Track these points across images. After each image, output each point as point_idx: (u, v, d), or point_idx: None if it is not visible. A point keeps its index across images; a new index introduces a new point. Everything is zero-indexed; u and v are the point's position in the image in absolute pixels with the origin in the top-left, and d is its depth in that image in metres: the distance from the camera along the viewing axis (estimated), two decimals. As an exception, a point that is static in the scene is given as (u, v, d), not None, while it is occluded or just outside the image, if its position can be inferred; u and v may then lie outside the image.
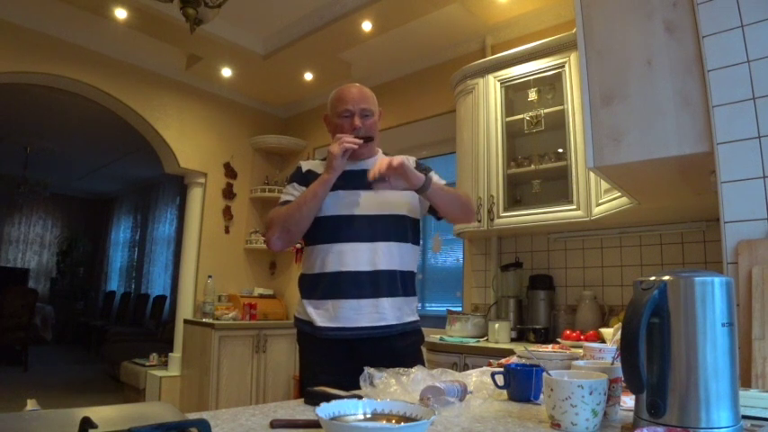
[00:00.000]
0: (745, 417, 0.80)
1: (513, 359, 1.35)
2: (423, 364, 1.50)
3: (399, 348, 1.56)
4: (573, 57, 2.61)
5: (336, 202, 1.57)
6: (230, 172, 4.58)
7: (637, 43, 1.52)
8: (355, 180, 1.60)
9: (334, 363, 1.52)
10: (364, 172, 1.59)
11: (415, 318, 1.64)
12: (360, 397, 0.87)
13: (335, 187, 1.56)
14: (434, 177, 1.61)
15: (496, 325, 2.69)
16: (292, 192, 1.63)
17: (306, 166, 1.69)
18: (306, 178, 1.64)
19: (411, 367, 1.11)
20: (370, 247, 1.54)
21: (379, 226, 1.57)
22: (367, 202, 1.58)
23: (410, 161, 1.67)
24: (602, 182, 2.24)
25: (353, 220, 1.56)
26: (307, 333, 1.59)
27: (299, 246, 3.45)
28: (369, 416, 0.77)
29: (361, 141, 1.56)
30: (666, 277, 0.77)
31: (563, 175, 2.65)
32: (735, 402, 0.73)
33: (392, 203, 1.61)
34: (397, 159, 1.42)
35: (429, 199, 1.55)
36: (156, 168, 5.09)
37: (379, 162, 1.44)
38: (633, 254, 2.64)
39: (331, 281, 1.55)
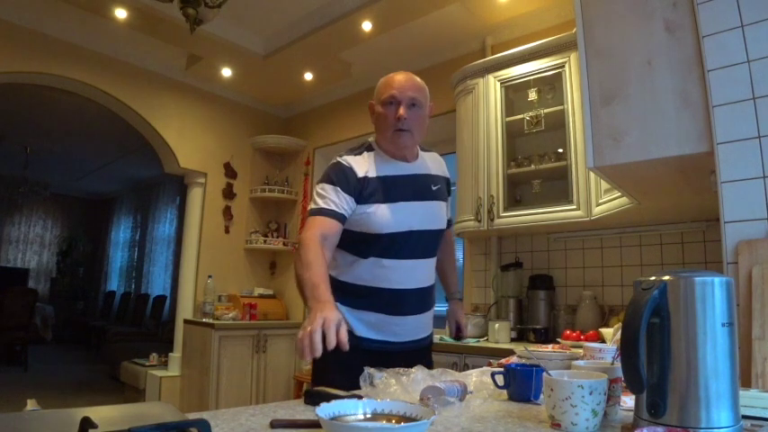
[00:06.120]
0: (745, 417, 0.80)
1: (513, 359, 1.35)
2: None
3: (423, 355, 1.61)
4: (573, 57, 2.61)
5: (393, 216, 1.46)
6: (230, 172, 4.58)
7: (637, 43, 1.52)
8: (406, 189, 1.51)
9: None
10: (414, 177, 1.55)
11: (432, 326, 1.70)
12: (360, 397, 0.87)
13: (391, 198, 1.46)
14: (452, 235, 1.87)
15: (496, 325, 2.69)
16: (334, 199, 1.42)
17: (355, 167, 1.47)
18: (359, 185, 1.44)
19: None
20: (414, 264, 1.52)
21: (427, 242, 1.56)
22: (419, 217, 1.52)
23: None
24: (602, 182, 2.24)
25: (407, 237, 1.49)
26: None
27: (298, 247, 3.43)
28: (369, 416, 0.77)
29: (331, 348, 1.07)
30: (666, 277, 0.77)
31: (563, 175, 2.65)
32: (735, 402, 0.73)
33: (439, 217, 1.60)
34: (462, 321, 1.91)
35: None
36: (156, 168, 5.09)
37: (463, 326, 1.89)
38: (633, 254, 2.64)
39: (377, 295, 1.49)
